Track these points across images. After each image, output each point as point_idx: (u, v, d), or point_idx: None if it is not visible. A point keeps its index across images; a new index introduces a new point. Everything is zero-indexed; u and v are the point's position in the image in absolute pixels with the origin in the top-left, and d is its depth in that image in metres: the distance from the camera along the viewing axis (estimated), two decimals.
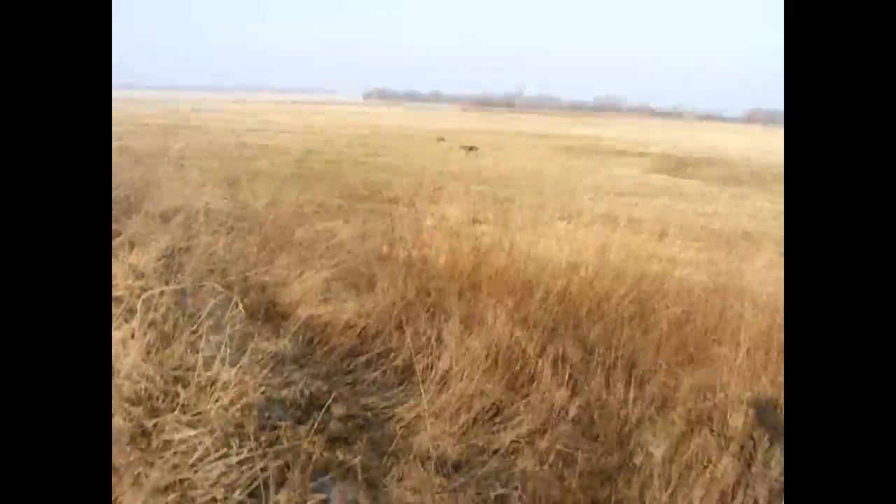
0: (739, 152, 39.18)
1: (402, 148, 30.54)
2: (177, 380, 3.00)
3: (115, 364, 2.90)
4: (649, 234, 12.75)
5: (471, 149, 28.42)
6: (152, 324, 3.49)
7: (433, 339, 5.02)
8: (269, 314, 5.68)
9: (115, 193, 7.07)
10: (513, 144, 36.68)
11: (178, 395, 2.88)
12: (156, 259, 5.30)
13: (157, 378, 2.95)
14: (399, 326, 5.34)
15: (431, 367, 4.39)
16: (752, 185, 23.29)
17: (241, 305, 4.51)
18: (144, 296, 3.98)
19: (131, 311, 3.79)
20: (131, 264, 5.08)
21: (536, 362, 4.62)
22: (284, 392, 3.29)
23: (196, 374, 3.05)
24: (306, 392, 3.29)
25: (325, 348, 4.58)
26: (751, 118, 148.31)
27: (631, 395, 3.99)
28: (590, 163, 28.52)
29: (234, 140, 29.57)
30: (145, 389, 2.86)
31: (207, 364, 3.19)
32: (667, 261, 10.68)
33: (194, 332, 3.61)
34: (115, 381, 2.84)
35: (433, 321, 5.64)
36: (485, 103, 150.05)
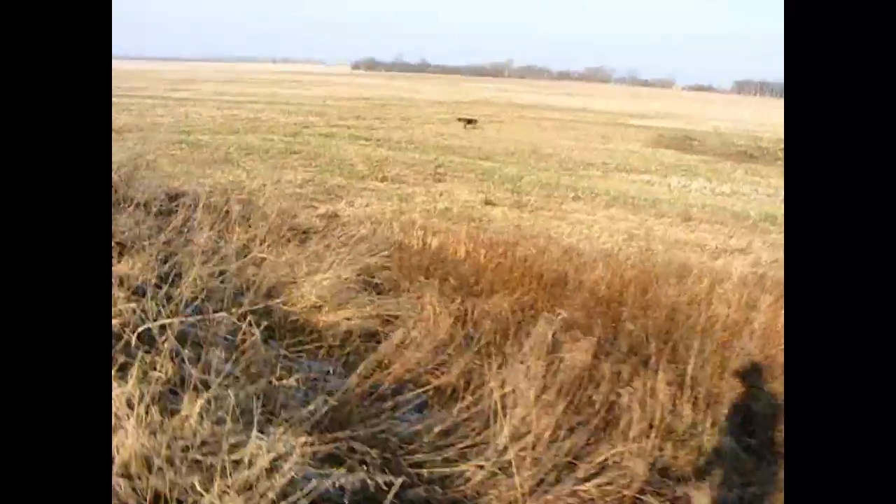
0: (742, 125, 38.42)
1: (398, 120, 29.57)
2: (192, 467, 2.25)
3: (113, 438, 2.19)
4: (672, 217, 12.13)
5: (469, 122, 27.39)
6: (152, 378, 2.74)
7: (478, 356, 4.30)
8: (288, 328, 4.92)
9: None
10: (509, 117, 35.73)
11: (193, 489, 2.14)
12: (151, 267, 4.51)
13: (165, 464, 2.19)
14: (437, 348, 4.62)
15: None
16: (766, 160, 22.52)
17: (256, 331, 3.79)
18: (141, 329, 3.24)
19: (127, 350, 3.06)
20: (123, 277, 4.30)
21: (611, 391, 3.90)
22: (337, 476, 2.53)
23: (215, 452, 2.30)
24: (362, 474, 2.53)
25: (364, 389, 3.82)
26: (741, 89, 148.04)
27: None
28: (591, 136, 27.68)
29: (222, 113, 28.49)
30: (150, 487, 2.12)
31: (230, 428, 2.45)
32: (700, 248, 10.03)
33: (204, 384, 2.90)
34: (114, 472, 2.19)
35: (471, 330, 4.99)
36: (474, 73, 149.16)
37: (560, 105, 49.46)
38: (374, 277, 6.42)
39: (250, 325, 4.13)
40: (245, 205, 8.56)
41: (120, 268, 4.42)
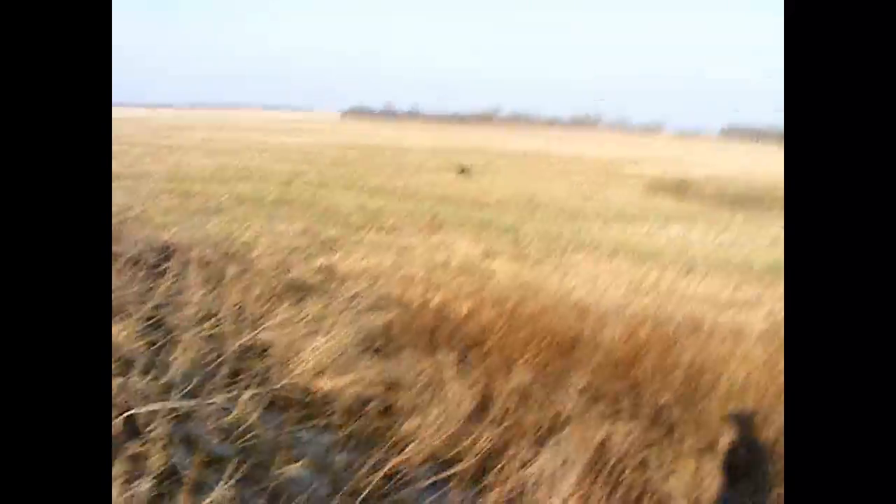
0: (734, 172, 38.47)
1: (390, 169, 29.38)
2: None
3: None
4: (675, 269, 11.82)
5: (462, 170, 27.21)
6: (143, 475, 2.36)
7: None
8: (288, 396, 4.54)
9: None
10: (502, 164, 35.64)
11: None
12: (139, 333, 4.11)
13: None
14: (451, 421, 4.27)
15: None
16: (762, 207, 22.33)
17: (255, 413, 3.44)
18: (129, 413, 2.87)
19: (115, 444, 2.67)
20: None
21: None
22: None
23: None
24: None
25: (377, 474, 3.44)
26: (729, 134, 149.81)
27: None
28: (586, 184, 27.52)
29: (213, 161, 28.23)
30: None
31: None
32: (708, 303, 9.69)
33: (203, 482, 2.53)
34: None
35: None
36: (462, 120, 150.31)
37: (552, 152, 49.53)
38: (375, 341, 6.05)
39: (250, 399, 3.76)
40: (239, 259, 8.20)
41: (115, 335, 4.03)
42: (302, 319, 5.78)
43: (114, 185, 16.90)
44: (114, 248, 6.22)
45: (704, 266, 12.05)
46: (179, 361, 4.04)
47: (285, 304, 6.44)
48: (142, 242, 7.07)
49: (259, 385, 4.42)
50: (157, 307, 4.60)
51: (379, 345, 5.85)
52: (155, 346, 4.14)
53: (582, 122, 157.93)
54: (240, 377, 4.25)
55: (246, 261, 8.71)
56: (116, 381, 3.30)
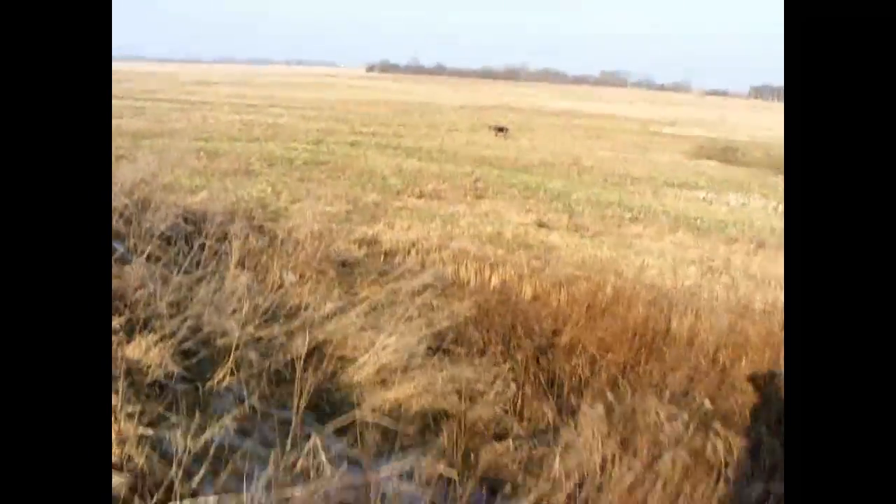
0: (774, 132, 37.02)
1: (424, 127, 28.36)
2: None
3: None
4: (744, 243, 10.89)
5: (500, 130, 26.04)
6: None
7: None
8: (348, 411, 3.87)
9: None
10: (537, 124, 34.43)
11: None
12: (172, 348, 3.31)
13: None
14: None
15: None
16: None
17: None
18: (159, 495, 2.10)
19: None
20: (132, 367, 3.09)
21: None
22: None
23: None
24: None
25: None
26: (758, 94, 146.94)
27: None
28: (627, 145, 26.36)
29: (240, 118, 27.40)
30: None
31: None
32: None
33: None
34: None
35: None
36: (489, 76, 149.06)
37: (585, 111, 48.11)
38: (438, 336, 5.33)
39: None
40: (276, 231, 7.43)
41: (130, 352, 3.24)
42: (355, 312, 5.02)
43: (143, 141, 16.27)
44: (141, 221, 5.53)
45: (774, 240, 11.08)
46: (223, 391, 3.27)
47: (333, 290, 5.69)
48: (172, 215, 6.29)
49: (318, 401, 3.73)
50: (193, 312, 3.79)
51: (442, 340, 5.10)
52: (190, 356, 3.35)
53: (610, 81, 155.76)
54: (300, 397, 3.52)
55: (284, 232, 8.00)
56: (144, 434, 2.53)
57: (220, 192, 11.01)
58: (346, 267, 6.93)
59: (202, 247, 5.20)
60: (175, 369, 3.15)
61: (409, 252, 8.34)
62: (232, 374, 3.33)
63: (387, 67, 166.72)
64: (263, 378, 3.65)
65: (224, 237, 5.80)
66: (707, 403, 4.35)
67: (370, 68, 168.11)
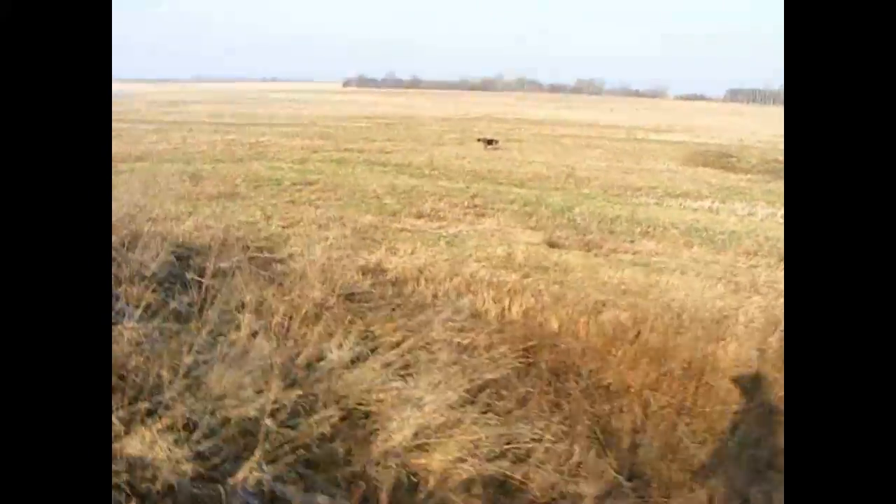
0: (761, 136, 36.86)
1: (410, 141, 27.78)
2: None
3: None
4: (764, 257, 10.40)
5: (489, 142, 25.43)
6: None
7: None
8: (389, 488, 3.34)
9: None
10: (524, 134, 33.90)
11: None
12: (183, 440, 2.70)
13: None
14: None
15: None
16: None
17: None
18: None
19: None
20: (132, 465, 2.48)
21: None
22: None
23: None
24: None
25: None
26: (733, 97, 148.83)
27: None
28: (619, 154, 25.86)
29: (221, 138, 26.70)
30: None
31: None
32: None
33: None
34: None
35: None
36: (465, 87, 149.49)
37: (568, 119, 47.70)
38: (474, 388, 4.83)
39: None
40: (275, 265, 6.91)
41: (130, 448, 2.62)
42: (374, 352, 4.50)
43: (121, 165, 15.59)
44: (129, 261, 5.00)
45: None
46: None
47: (351, 337, 5.11)
48: (162, 251, 5.71)
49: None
50: (204, 382, 3.18)
51: (476, 390, 4.54)
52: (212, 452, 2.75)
53: (586, 89, 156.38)
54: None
55: (282, 265, 7.44)
56: None
57: (208, 218, 10.44)
58: (353, 301, 6.38)
59: (199, 287, 4.68)
60: (188, 467, 2.55)
61: (417, 281, 7.77)
62: (259, 467, 2.73)
63: (364, 81, 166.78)
64: (291, 458, 3.08)
65: (221, 273, 5.30)
66: None
67: (347, 83, 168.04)
